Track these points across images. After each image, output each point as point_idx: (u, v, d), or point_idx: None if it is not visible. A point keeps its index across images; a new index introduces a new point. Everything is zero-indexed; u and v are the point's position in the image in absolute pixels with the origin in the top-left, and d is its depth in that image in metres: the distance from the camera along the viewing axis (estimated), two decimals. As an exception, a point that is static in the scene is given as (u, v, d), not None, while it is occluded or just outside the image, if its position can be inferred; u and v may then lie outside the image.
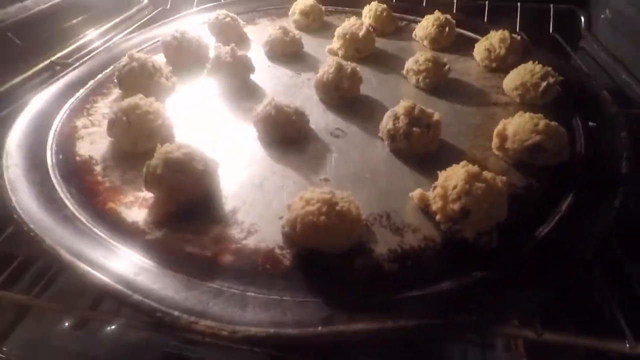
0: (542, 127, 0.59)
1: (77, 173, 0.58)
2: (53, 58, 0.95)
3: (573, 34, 1.13)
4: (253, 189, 0.58)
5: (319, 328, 0.38)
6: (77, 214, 0.51)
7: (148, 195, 0.54)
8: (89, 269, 0.42)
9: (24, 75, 0.88)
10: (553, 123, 0.60)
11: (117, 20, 1.16)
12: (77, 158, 0.61)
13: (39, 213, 0.49)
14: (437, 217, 0.51)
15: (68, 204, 0.52)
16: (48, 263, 0.71)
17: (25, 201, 0.50)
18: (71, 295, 0.84)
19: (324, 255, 0.47)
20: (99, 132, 0.67)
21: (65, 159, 0.61)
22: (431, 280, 0.45)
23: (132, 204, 0.53)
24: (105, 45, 1.01)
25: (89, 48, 1.04)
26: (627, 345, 0.43)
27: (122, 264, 0.44)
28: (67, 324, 0.96)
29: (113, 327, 0.96)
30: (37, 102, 0.71)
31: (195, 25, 1.06)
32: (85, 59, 0.91)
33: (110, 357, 0.89)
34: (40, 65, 0.92)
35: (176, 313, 0.38)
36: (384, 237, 0.51)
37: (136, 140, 0.62)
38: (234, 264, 0.46)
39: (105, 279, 0.41)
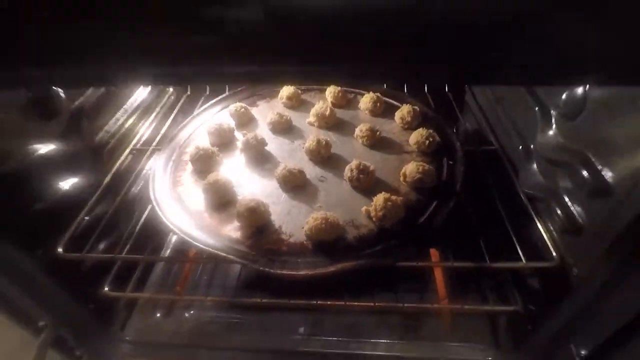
0: (421, 170, 1.27)
1: (195, 219, 1.22)
2: (130, 147, 1.58)
3: (459, 91, 1.87)
4: (285, 215, 1.22)
5: (329, 267, 1.05)
6: (215, 237, 1.14)
7: (237, 224, 1.18)
8: (235, 257, 1.06)
9: (120, 161, 1.50)
10: (427, 166, 1.28)
11: (157, 109, 1.80)
12: (192, 210, 1.25)
13: (204, 240, 1.12)
14: (374, 219, 1.19)
15: (205, 232, 1.16)
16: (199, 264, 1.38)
17: (198, 237, 1.13)
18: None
19: (326, 242, 1.12)
20: (193, 194, 1.29)
21: (186, 212, 1.24)
22: (372, 246, 1.12)
23: (231, 230, 1.17)
24: (161, 133, 1.66)
25: (146, 136, 1.67)
26: (452, 263, 1.13)
27: (244, 254, 1.09)
28: (158, 315, 1.55)
29: (192, 311, 1.56)
30: (153, 180, 1.33)
31: (216, 112, 1.71)
32: (154, 146, 1.55)
33: (194, 330, 1.48)
34: (125, 153, 1.55)
35: (274, 268, 1.04)
36: (351, 231, 1.16)
37: (222, 197, 1.25)
38: (288, 250, 1.11)
39: (245, 261, 1.06)
